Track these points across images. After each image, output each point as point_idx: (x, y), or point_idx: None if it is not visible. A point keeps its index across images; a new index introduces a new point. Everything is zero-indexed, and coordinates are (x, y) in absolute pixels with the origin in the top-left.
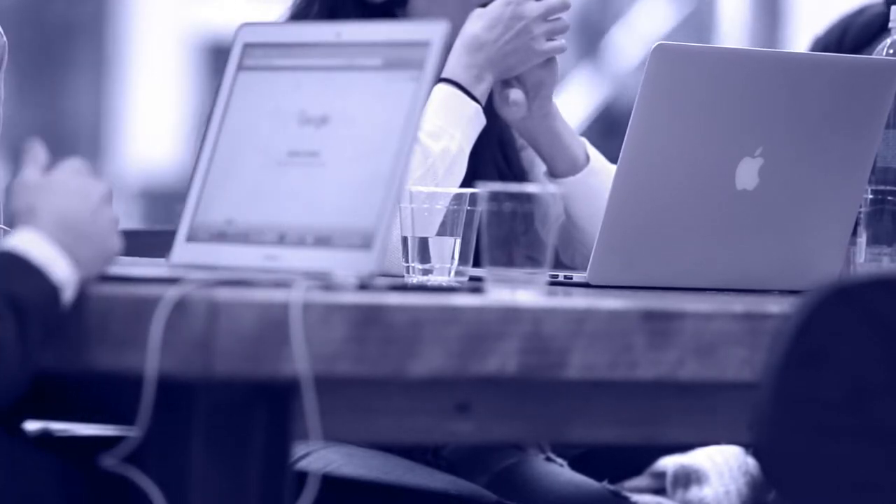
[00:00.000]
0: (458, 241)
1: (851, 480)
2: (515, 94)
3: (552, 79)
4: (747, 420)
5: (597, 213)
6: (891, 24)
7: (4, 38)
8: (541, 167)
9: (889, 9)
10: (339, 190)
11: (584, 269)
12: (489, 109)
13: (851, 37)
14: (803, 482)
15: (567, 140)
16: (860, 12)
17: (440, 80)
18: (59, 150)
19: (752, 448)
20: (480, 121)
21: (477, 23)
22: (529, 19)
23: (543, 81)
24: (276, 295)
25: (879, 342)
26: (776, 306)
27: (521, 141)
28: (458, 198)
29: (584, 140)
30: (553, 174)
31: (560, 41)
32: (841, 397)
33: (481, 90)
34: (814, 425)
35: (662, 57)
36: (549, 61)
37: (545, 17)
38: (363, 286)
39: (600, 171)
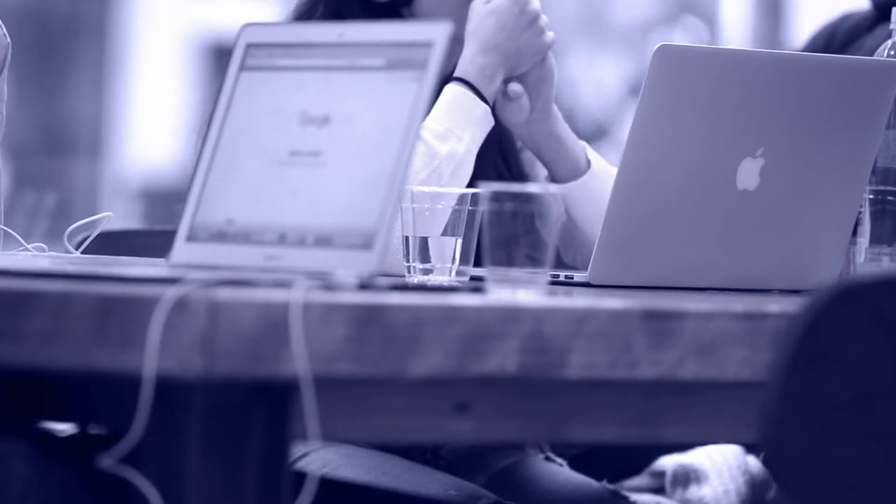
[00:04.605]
0: (459, 241)
1: (857, 480)
2: (514, 85)
3: (551, 74)
4: (747, 419)
5: (598, 216)
6: (892, 26)
7: (8, 39)
8: (541, 168)
9: (875, 12)
10: (340, 190)
11: (586, 269)
12: (492, 112)
13: (839, 41)
14: (809, 482)
15: (569, 144)
16: (846, 17)
17: (453, 79)
18: (60, 150)
19: (758, 447)
20: (489, 122)
21: (487, 21)
22: (536, 12)
23: (543, 78)
24: (276, 295)
25: (886, 342)
26: (776, 306)
27: (520, 143)
28: (459, 198)
29: (585, 143)
30: (555, 179)
31: (552, 33)
32: (847, 397)
33: (492, 90)
34: (820, 425)
35: (665, 57)
36: (545, 58)
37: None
38: (363, 286)
39: (601, 175)
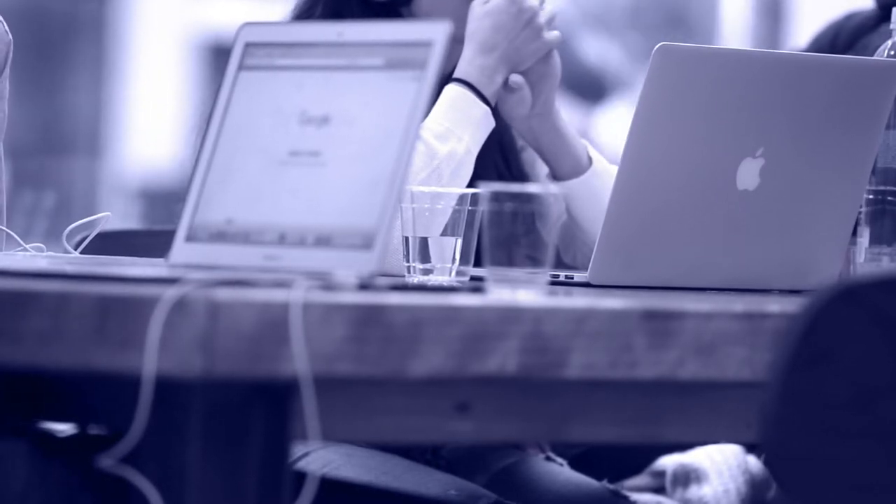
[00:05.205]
0: (459, 241)
1: (858, 480)
2: (514, 76)
3: (553, 72)
4: (747, 419)
5: (599, 214)
6: (892, 26)
7: (10, 37)
8: (542, 168)
9: (879, 11)
10: (339, 190)
11: (586, 268)
12: (492, 111)
13: (843, 40)
14: (810, 482)
15: (570, 140)
16: (850, 16)
17: (453, 79)
18: (58, 149)
19: (758, 447)
20: (489, 123)
21: (484, 22)
22: (534, 10)
23: (545, 75)
24: (276, 295)
25: (886, 342)
26: (776, 306)
27: (521, 142)
28: (459, 198)
29: (586, 142)
30: (556, 176)
31: (556, 31)
32: (847, 397)
33: (492, 91)
34: (820, 425)
35: (665, 57)
36: (548, 54)
37: (541, 6)
38: (363, 286)
39: (603, 173)
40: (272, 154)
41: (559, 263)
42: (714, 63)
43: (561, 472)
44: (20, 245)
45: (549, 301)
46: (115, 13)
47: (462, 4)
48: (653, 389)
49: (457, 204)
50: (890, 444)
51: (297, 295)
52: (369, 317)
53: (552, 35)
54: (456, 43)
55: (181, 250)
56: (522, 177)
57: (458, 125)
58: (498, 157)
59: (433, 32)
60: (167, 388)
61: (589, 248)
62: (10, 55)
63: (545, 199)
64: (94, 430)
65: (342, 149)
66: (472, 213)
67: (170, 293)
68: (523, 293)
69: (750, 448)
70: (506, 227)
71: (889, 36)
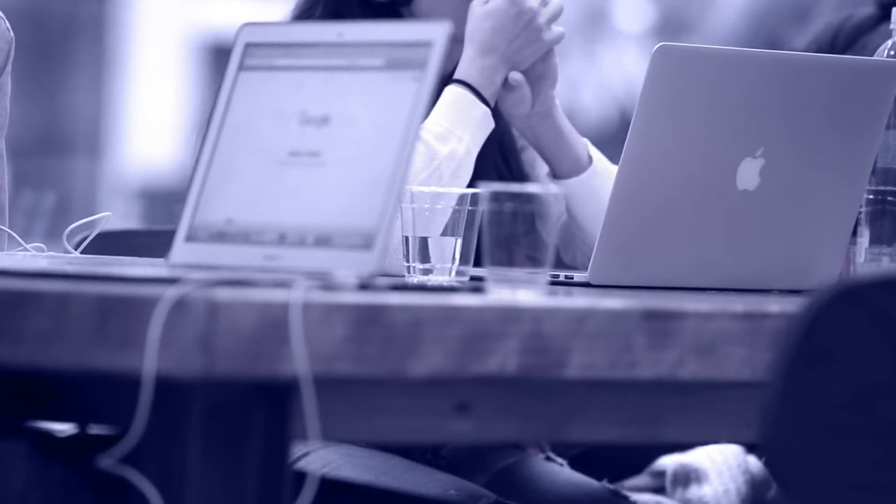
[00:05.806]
0: (459, 241)
1: (858, 480)
2: (514, 73)
3: (552, 71)
4: (747, 419)
5: (599, 213)
6: (892, 26)
7: (12, 34)
8: (542, 168)
9: (878, 11)
10: (339, 190)
11: (586, 268)
12: (492, 111)
13: (842, 40)
14: (810, 482)
15: (570, 139)
16: (849, 17)
17: (453, 80)
18: (58, 149)
19: (758, 447)
20: (489, 124)
21: (484, 23)
22: (533, 11)
23: (544, 74)
24: (276, 295)
25: (887, 342)
26: (776, 306)
27: (521, 142)
28: (459, 198)
29: (587, 140)
30: (556, 175)
31: (560, 28)
32: (848, 397)
33: (492, 91)
34: (821, 425)
35: (664, 57)
36: (547, 53)
37: (543, 4)
38: (363, 286)
39: (603, 172)
40: (272, 154)
41: (559, 263)
42: (714, 63)
43: (561, 472)
44: (21, 245)
45: (549, 301)
46: (115, 13)
47: (462, 4)
48: (653, 389)
49: (457, 204)
50: (890, 444)
51: (297, 295)
52: (369, 317)
53: (553, 33)
54: (456, 43)
55: (181, 250)
56: (522, 177)
57: (459, 126)
58: (498, 158)
59: (433, 32)
60: (167, 388)
61: (589, 247)
62: (12, 53)
63: (545, 199)
64: (94, 430)
65: (342, 149)
66: (472, 213)
67: (170, 293)
68: (523, 293)
69: (750, 448)
70: (506, 227)
71: (889, 36)
